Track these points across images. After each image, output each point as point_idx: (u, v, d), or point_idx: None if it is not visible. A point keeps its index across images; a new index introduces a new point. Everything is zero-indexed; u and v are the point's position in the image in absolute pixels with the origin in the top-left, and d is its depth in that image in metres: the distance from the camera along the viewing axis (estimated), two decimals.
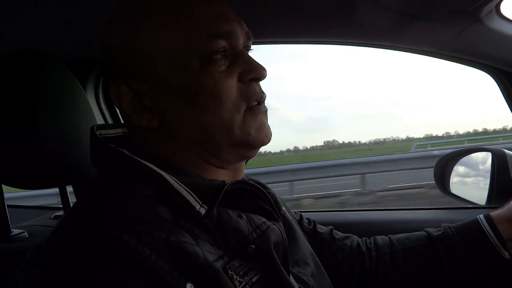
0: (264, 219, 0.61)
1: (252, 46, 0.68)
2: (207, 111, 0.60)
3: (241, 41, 0.64)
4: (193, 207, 0.54)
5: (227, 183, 0.58)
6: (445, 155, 1.40)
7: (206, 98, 0.59)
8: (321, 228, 0.90)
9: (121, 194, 0.54)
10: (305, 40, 1.23)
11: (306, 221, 0.89)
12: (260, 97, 0.64)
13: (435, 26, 0.99)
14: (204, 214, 0.54)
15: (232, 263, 0.53)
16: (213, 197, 0.55)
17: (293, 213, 0.85)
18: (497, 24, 0.94)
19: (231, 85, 0.60)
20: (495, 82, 1.16)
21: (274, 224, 0.62)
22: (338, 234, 0.90)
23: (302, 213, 0.91)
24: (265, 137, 0.64)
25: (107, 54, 0.64)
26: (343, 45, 1.22)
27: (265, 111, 0.65)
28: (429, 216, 1.36)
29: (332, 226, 0.91)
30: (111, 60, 0.63)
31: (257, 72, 0.62)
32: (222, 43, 0.60)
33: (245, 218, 0.59)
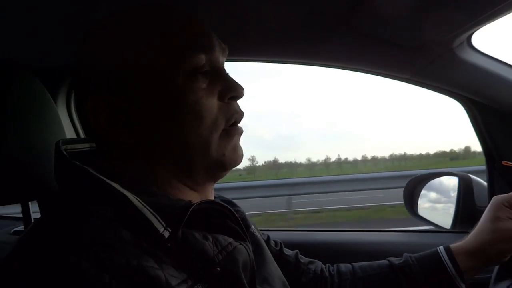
0: (231, 240, 0.59)
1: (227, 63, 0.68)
2: (187, 128, 0.58)
3: (219, 58, 0.64)
4: (157, 230, 0.52)
5: (193, 204, 0.56)
6: (414, 178, 1.44)
7: (188, 114, 0.58)
8: (287, 251, 0.90)
9: (82, 217, 0.51)
10: (281, 60, 1.23)
11: (273, 242, 0.89)
12: (240, 116, 0.64)
13: (409, 54, 1.02)
14: (168, 237, 0.52)
15: (196, 286, 0.51)
16: (178, 219, 0.53)
17: (260, 232, 0.84)
18: (468, 55, 0.98)
19: (212, 103, 0.60)
20: (464, 111, 1.21)
21: (241, 244, 0.60)
22: (303, 259, 0.90)
23: (269, 233, 0.91)
24: (238, 158, 0.64)
25: (83, 70, 0.61)
26: (318, 67, 1.24)
27: (240, 133, 0.65)
28: (393, 238, 1.40)
29: (297, 250, 0.92)
30: (86, 75, 0.61)
31: (237, 90, 0.63)
32: (203, 58, 0.60)
33: (211, 239, 0.57)
